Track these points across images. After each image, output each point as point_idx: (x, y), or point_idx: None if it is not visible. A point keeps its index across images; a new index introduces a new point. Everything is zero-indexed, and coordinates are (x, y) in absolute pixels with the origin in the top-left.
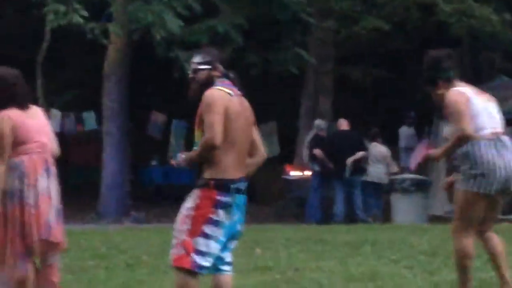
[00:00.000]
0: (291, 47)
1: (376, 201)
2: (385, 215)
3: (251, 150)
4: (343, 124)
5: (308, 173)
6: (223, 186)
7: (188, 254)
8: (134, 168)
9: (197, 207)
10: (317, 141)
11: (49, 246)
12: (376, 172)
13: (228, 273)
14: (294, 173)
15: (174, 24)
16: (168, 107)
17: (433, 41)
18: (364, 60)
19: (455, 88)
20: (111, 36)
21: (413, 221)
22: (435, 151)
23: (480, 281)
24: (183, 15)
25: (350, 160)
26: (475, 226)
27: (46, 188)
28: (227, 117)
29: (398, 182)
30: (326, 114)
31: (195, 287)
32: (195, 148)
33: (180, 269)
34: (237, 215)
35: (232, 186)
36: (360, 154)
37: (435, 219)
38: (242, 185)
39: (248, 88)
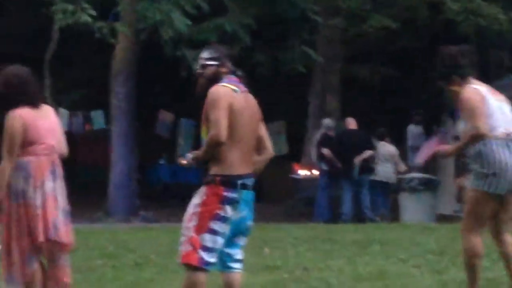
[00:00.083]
0: (299, 46)
1: (384, 200)
2: (393, 214)
3: (258, 147)
4: (351, 123)
5: (316, 172)
6: (229, 182)
7: (195, 250)
8: (142, 167)
9: (203, 204)
10: (325, 140)
11: (57, 247)
12: (384, 171)
13: (238, 270)
14: (302, 172)
15: (182, 23)
16: (176, 106)
17: (441, 39)
18: (372, 59)
19: (470, 86)
20: (118, 35)
21: (421, 220)
22: (446, 148)
23: (488, 280)
24: (190, 14)
25: (358, 159)
26: (484, 226)
27: (52, 190)
28: (232, 114)
29: (406, 181)
30: (334, 113)
31: (203, 283)
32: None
33: (188, 265)
34: (245, 211)
35: (238, 181)
36: (368, 153)
37: (443, 218)
38: (249, 181)
39: (256, 87)
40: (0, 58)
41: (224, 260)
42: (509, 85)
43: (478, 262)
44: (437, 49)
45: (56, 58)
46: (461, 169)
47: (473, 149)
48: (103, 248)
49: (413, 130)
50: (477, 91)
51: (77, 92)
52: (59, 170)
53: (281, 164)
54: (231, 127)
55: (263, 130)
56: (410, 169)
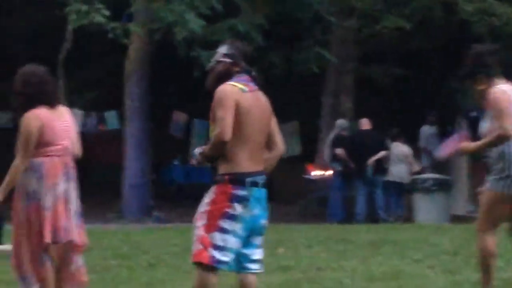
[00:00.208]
0: (312, 47)
1: (398, 201)
2: (407, 215)
3: (269, 144)
4: (365, 124)
5: (329, 172)
6: (238, 180)
7: (205, 249)
8: (155, 168)
9: (213, 202)
10: (339, 141)
11: (70, 248)
12: (398, 171)
13: (254, 271)
14: (316, 173)
15: (195, 23)
16: (190, 106)
17: (454, 40)
18: (385, 59)
19: (498, 86)
20: (132, 35)
21: (434, 220)
22: (468, 145)
23: (502, 280)
24: (204, 15)
25: (371, 160)
26: (499, 226)
27: (65, 192)
28: (239, 112)
29: (420, 182)
30: (347, 114)
31: (214, 283)
32: None
33: (199, 264)
34: (258, 209)
35: (247, 179)
36: (381, 153)
37: (456, 218)
38: (259, 179)
39: (269, 88)
40: (14, 59)
41: (241, 261)
42: None
43: (492, 262)
44: (452, 49)
45: (70, 59)
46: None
47: (495, 150)
48: (117, 248)
49: (426, 131)
50: (505, 91)
51: (91, 93)
52: (72, 172)
53: (295, 164)
54: (239, 126)
55: (274, 127)
56: (424, 169)
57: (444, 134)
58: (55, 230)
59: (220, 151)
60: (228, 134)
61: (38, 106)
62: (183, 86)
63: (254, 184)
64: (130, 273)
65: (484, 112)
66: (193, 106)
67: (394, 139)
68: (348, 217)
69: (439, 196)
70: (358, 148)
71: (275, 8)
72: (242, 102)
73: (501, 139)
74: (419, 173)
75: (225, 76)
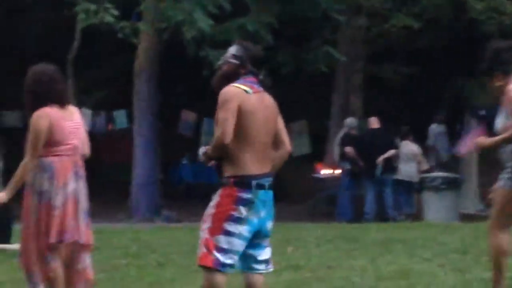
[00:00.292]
0: (321, 46)
1: (407, 200)
2: (416, 214)
3: (277, 144)
4: (374, 123)
5: (339, 171)
6: (243, 182)
7: (210, 252)
8: (164, 167)
9: (218, 205)
10: (348, 140)
11: (77, 247)
12: (407, 170)
13: (261, 271)
14: (325, 172)
15: (204, 23)
16: (199, 105)
17: (464, 38)
18: (394, 58)
19: None
20: (141, 35)
21: (444, 219)
22: (484, 140)
23: None
24: (213, 14)
25: (381, 159)
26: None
27: (74, 191)
28: (242, 115)
29: (429, 180)
30: (356, 112)
31: (222, 282)
32: None
33: (205, 267)
34: (263, 211)
35: (253, 182)
36: (391, 152)
37: (466, 217)
38: (265, 181)
39: (278, 87)
40: (24, 59)
41: (248, 262)
42: None
43: (504, 261)
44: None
45: (79, 58)
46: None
47: (509, 147)
48: (126, 247)
49: (435, 129)
50: None
51: (100, 92)
52: (82, 171)
53: (304, 163)
54: (243, 128)
55: (281, 127)
56: (433, 168)
57: (452, 132)
58: (61, 230)
59: (221, 153)
60: (228, 137)
61: (48, 105)
62: (192, 85)
63: (260, 186)
64: (139, 272)
65: (500, 109)
66: (202, 105)
67: (403, 137)
68: (357, 216)
69: (448, 194)
70: (367, 147)
71: (284, 7)
72: (246, 104)
73: None
74: (428, 171)
75: (231, 76)
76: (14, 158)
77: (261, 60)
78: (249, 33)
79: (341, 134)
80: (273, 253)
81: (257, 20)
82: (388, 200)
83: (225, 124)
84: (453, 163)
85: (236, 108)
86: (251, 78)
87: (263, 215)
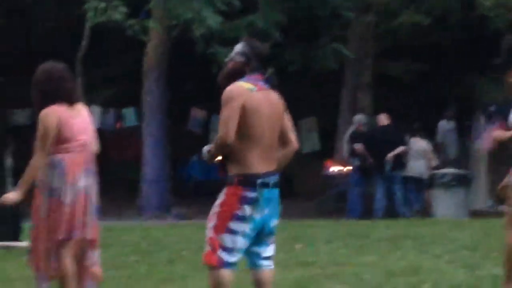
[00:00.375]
0: (330, 43)
1: (417, 196)
2: (426, 210)
3: (283, 142)
4: (383, 119)
5: (348, 168)
6: (248, 181)
7: (214, 251)
8: (174, 164)
9: (222, 204)
10: (357, 136)
11: (84, 244)
12: (417, 167)
13: (268, 267)
14: (335, 169)
15: (213, 20)
16: (207, 102)
17: (473, 35)
18: (403, 55)
19: None
20: (150, 32)
21: (454, 216)
22: (503, 134)
23: None
24: (222, 11)
25: (390, 155)
26: None
27: (84, 187)
28: (246, 113)
29: (438, 177)
30: (366, 109)
31: (227, 282)
32: None
33: (210, 266)
34: (268, 209)
35: (257, 180)
36: (400, 149)
37: (476, 214)
38: (270, 179)
39: (287, 84)
40: (33, 57)
41: (253, 259)
42: None
43: None
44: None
45: (88, 56)
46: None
47: None
48: (136, 244)
49: (444, 125)
50: None
51: (109, 90)
52: (93, 167)
53: (313, 160)
54: (247, 126)
55: (287, 124)
56: (442, 164)
57: (462, 129)
58: (71, 227)
59: (223, 152)
60: (230, 136)
61: (57, 103)
62: (201, 82)
63: (265, 185)
64: (150, 269)
65: None
66: (211, 102)
67: (413, 134)
68: (367, 213)
69: (458, 191)
70: (377, 143)
71: (293, 4)
72: (249, 102)
73: None
74: (437, 168)
75: (237, 74)
76: (23, 156)
77: (269, 58)
78: (258, 30)
79: (350, 131)
80: (282, 250)
81: (266, 18)
82: (398, 197)
83: (227, 123)
84: (463, 159)
85: (239, 106)
86: (257, 76)
87: (266, 212)
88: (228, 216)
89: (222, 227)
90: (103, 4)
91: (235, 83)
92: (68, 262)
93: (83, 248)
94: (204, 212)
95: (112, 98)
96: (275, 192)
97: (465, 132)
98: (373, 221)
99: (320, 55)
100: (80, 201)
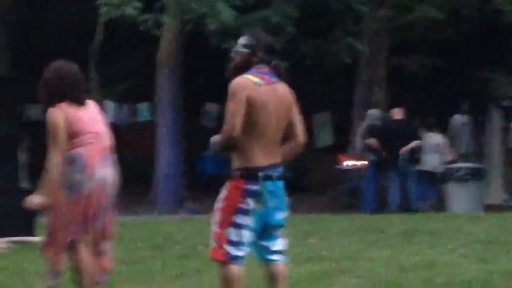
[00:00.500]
0: (344, 37)
1: (431, 190)
2: (441, 204)
3: (290, 136)
4: (397, 114)
5: (362, 162)
6: (250, 174)
7: (220, 246)
8: (187, 159)
9: (226, 198)
10: (371, 131)
11: (99, 234)
12: (431, 161)
13: (277, 261)
14: (348, 163)
15: (227, 14)
16: (221, 97)
17: (487, 29)
18: (417, 50)
19: None
20: (164, 27)
21: (468, 210)
22: None
23: None
24: (236, 6)
25: (404, 150)
26: None
27: (103, 177)
28: (251, 107)
29: (453, 171)
30: (380, 104)
31: (237, 275)
32: None
33: (217, 261)
34: (273, 202)
35: (259, 173)
36: (414, 143)
37: (490, 208)
38: (272, 172)
39: (301, 79)
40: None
41: (262, 253)
42: None
43: None
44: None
45: (101, 51)
46: None
47: None
48: (149, 239)
49: (457, 120)
50: None
51: (123, 85)
52: (110, 157)
53: (327, 155)
54: (252, 120)
55: (295, 118)
56: (457, 158)
57: (475, 123)
58: (87, 218)
59: (229, 145)
60: (236, 130)
61: (67, 102)
62: (214, 77)
63: (267, 178)
64: (163, 264)
65: None
66: (225, 97)
67: (428, 129)
68: (380, 207)
69: (472, 185)
70: (391, 138)
71: None
72: (255, 96)
73: None
74: (452, 162)
75: (243, 67)
76: (37, 152)
77: (283, 52)
78: (272, 25)
79: (364, 125)
80: (296, 245)
81: (280, 12)
82: (412, 191)
83: (233, 117)
84: (477, 153)
85: (244, 100)
86: (265, 69)
87: (271, 205)
88: (232, 210)
89: (226, 222)
90: (116, 0)
91: (241, 76)
92: (84, 256)
93: (97, 239)
94: None
95: (126, 93)
96: (279, 184)
97: (478, 126)
98: (387, 215)
99: (334, 50)
100: (97, 192)
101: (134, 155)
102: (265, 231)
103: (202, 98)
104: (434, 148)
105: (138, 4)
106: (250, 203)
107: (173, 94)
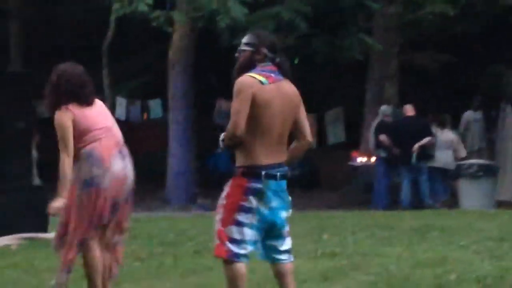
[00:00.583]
0: (356, 34)
1: (443, 187)
2: (453, 201)
3: (297, 135)
4: (409, 110)
5: (374, 159)
6: (252, 172)
7: (222, 243)
8: (199, 156)
9: (228, 196)
10: (382, 127)
11: (112, 226)
12: (444, 157)
13: (285, 261)
14: (361, 159)
15: (238, 11)
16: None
17: (499, 25)
18: (429, 45)
19: None
20: (175, 23)
21: (480, 206)
22: None
23: None
24: (247, 2)
25: (416, 146)
26: None
27: (121, 170)
28: (256, 105)
29: (465, 168)
30: (391, 100)
31: (242, 273)
32: None
33: (220, 259)
34: (276, 202)
35: (262, 172)
36: (426, 140)
37: (503, 204)
38: (276, 171)
39: (313, 76)
40: (59, 49)
41: (269, 253)
42: None
43: None
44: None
45: (113, 48)
46: None
47: None
48: (162, 236)
49: (469, 116)
50: None
51: (135, 81)
52: (125, 150)
53: (339, 151)
54: (257, 119)
55: (302, 117)
56: (469, 155)
57: (487, 119)
58: (105, 209)
59: (233, 144)
60: (240, 129)
61: (74, 104)
62: (226, 74)
63: (271, 176)
64: (176, 260)
65: None
66: None
67: (441, 125)
68: (393, 204)
69: (484, 182)
70: (402, 134)
71: None
72: (260, 95)
73: None
74: (464, 159)
75: (248, 65)
76: (48, 148)
77: (274, 47)
78: (283, 21)
79: (376, 121)
80: (308, 241)
81: (292, 8)
82: (424, 188)
83: (237, 115)
84: (489, 150)
85: (249, 98)
86: (269, 67)
87: (274, 205)
88: (234, 208)
89: (229, 219)
90: None
91: (245, 75)
92: (97, 254)
93: (110, 230)
94: None
95: (138, 90)
96: (282, 184)
97: (490, 122)
98: (399, 212)
99: (346, 46)
100: (115, 185)
101: (146, 151)
102: (273, 231)
103: (213, 95)
104: (446, 145)
105: (150, 1)
106: (253, 201)
107: (184, 90)
